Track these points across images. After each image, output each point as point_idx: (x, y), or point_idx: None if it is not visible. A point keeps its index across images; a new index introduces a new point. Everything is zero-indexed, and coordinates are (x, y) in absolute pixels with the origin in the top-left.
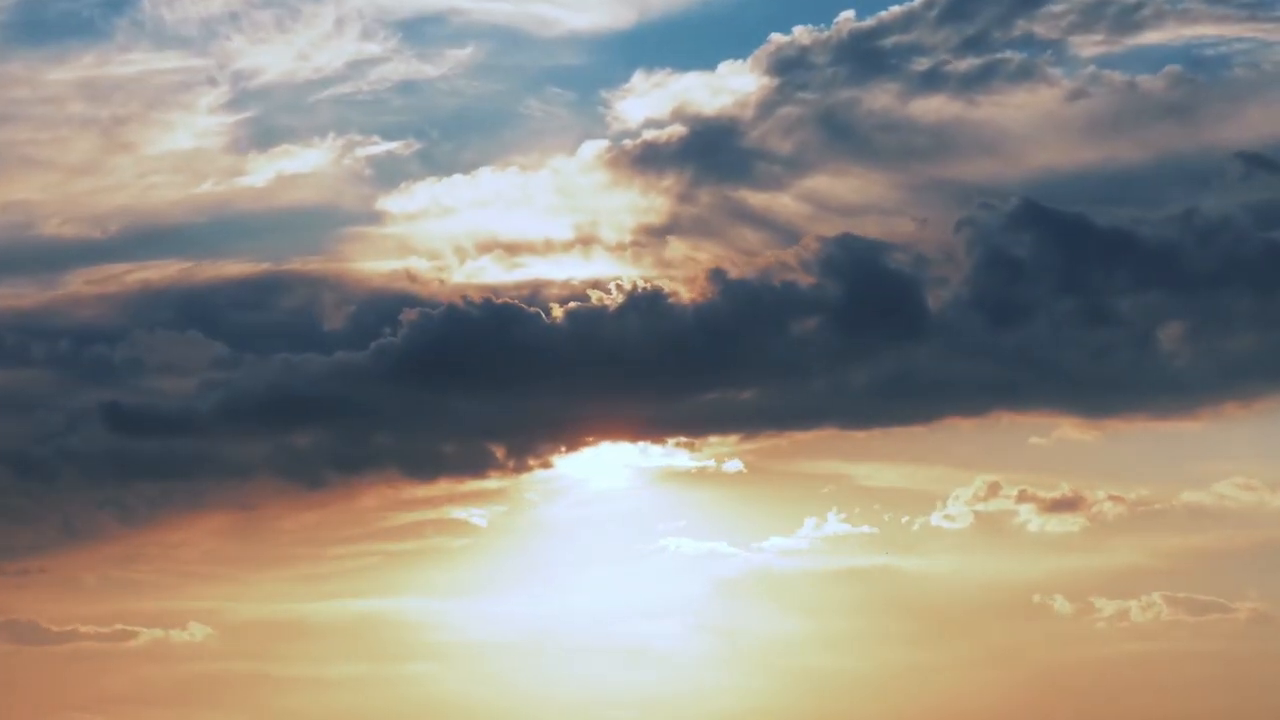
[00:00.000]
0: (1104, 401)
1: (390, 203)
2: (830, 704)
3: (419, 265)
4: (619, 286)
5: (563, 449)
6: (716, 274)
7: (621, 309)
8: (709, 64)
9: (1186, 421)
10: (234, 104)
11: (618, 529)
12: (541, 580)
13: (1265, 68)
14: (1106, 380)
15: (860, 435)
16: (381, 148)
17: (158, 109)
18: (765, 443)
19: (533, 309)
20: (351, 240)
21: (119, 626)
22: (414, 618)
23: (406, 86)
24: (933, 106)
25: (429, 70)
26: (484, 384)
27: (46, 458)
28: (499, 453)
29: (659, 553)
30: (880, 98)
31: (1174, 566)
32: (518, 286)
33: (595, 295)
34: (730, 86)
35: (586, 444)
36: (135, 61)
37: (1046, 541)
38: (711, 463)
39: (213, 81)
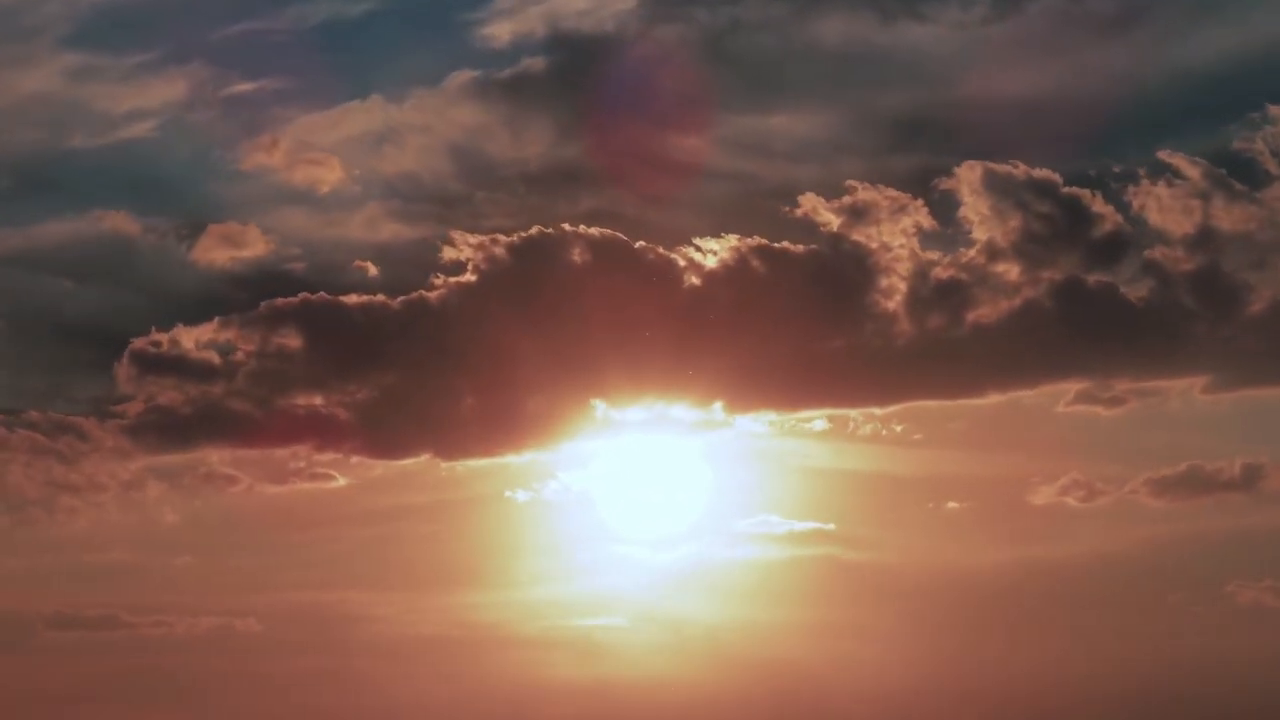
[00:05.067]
0: None
1: (257, 146)
2: None
3: (302, 216)
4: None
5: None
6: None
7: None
8: None
9: None
10: (78, 36)
11: None
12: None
13: None
14: None
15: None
16: (239, 86)
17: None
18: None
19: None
20: (221, 191)
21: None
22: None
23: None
24: (838, 28)
25: None
26: None
27: None
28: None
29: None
30: (775, 11)
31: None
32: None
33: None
34: (605, 7)
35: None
36: None
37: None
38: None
39: None
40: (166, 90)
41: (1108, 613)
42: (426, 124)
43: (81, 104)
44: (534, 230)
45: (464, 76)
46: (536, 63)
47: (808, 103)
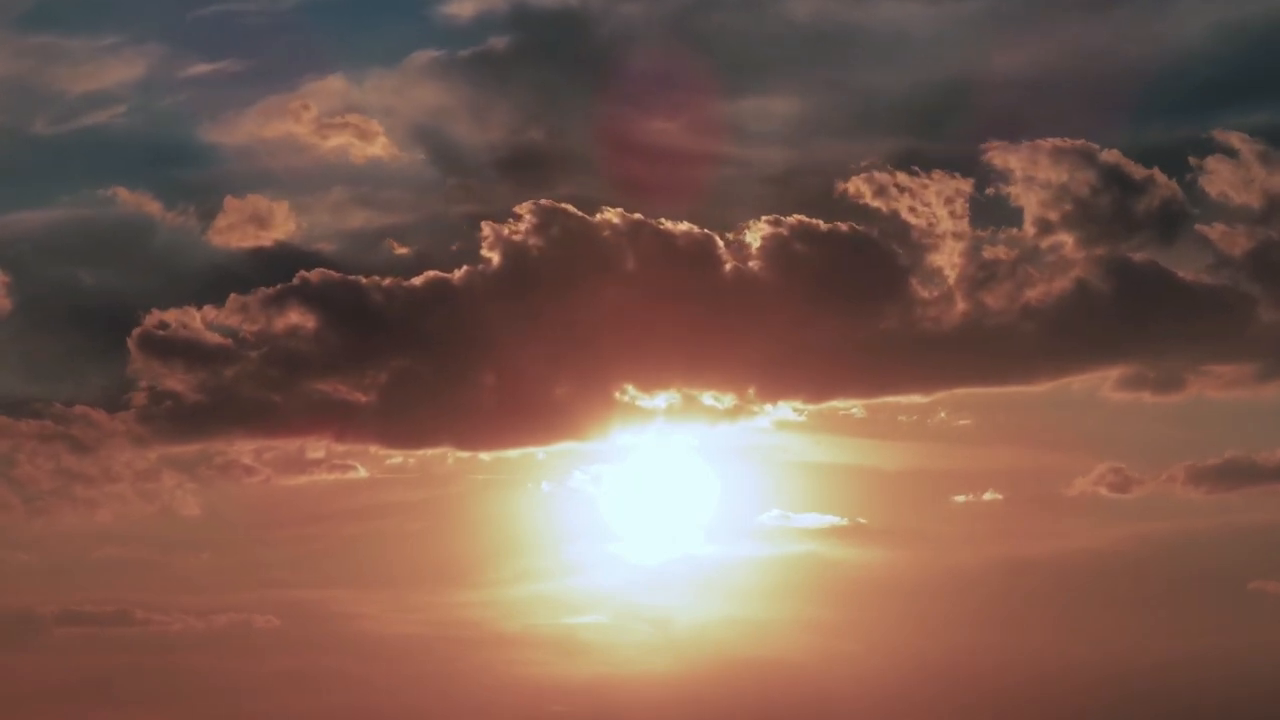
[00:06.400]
0: None
1: (218, 131)
2: None
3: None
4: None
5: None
6: None
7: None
8: None
9: None
10: (34, 16)
11: None
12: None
13: None
14: None
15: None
16: (197, 68)
17: None
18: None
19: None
20: (186, 174)
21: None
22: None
23: None
24: (811, 4)
25: None
26: None
27: None
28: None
29: None
30: None
31: None
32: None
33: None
34: None
35: None
36: None
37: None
38: None
39: None
40: (127, 71)
41: (1123, 607)
42: (388, 105)
43: (44, 85)
44: (548, 214)
45: (425, 56)
46: (500, 41)
47: (786, 83)
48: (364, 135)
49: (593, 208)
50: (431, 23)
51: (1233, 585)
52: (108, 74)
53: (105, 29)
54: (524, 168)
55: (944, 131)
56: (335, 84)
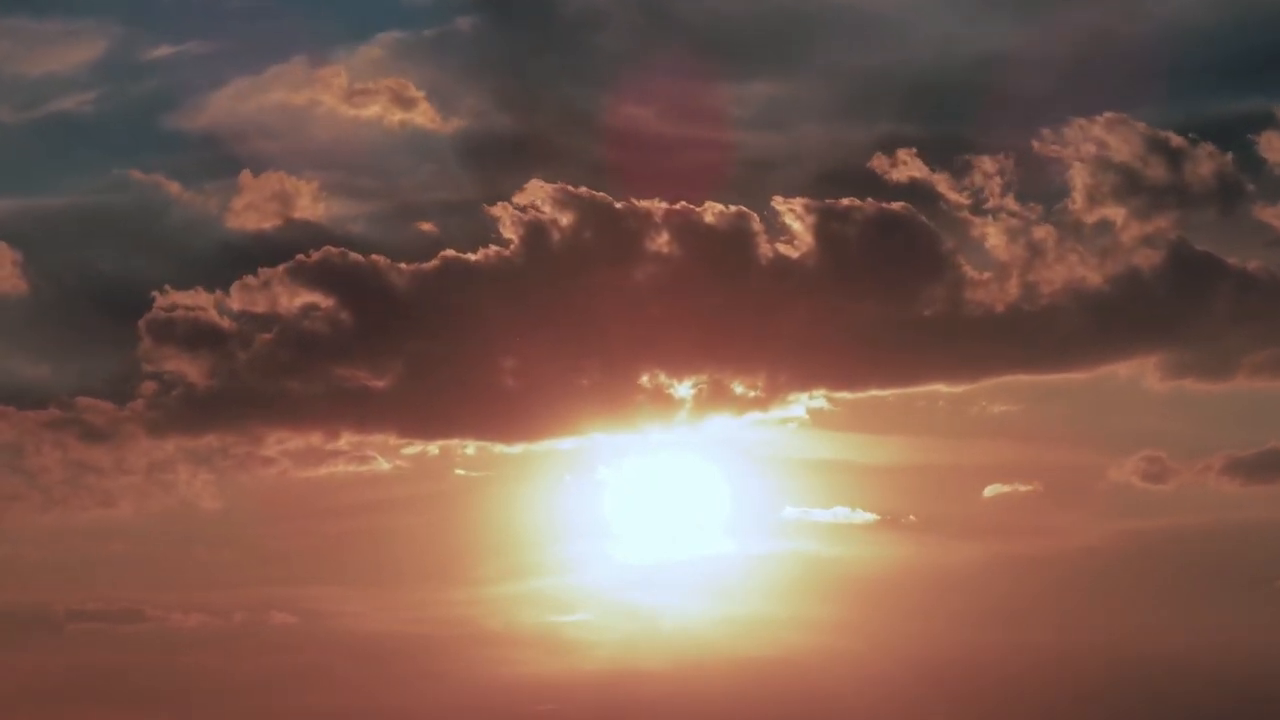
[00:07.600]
0: None
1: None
2: None
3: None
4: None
5: None
6: None
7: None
8: None
9: None
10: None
11: None
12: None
13: None
14: None
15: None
16: (160, 50)
17: None
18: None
19: None
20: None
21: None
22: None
23: None
24: None
25: None
26: None
27: None
28: None
29: None
30: None
31: None
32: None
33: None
34: None
35: None
36: None
37: None
38: None
39: None
40: (84, 53)
41: (1144, 601)
42: (353, 90)
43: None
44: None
45: (389, 38)
46: (465, 22)
47: (766, 65)
48: (329, 120)
49: None
50: (394, 2)
51: (1260, 581)
52: (62, 57)
53: (72, 11)
54: (496, 154)
55: (944, 114)
56: (299, 65)
